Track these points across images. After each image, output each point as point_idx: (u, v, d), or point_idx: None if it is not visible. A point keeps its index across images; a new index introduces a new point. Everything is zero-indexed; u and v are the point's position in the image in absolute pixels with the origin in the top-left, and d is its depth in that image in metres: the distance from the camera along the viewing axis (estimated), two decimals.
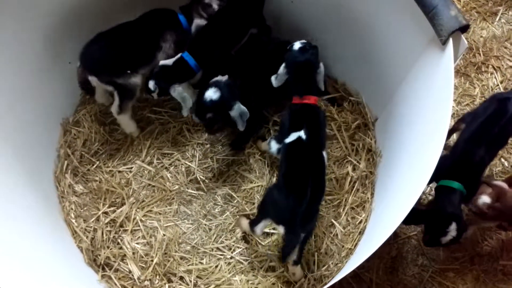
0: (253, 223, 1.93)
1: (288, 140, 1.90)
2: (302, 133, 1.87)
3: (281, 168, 1.91)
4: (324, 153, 1.89)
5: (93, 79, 2.13)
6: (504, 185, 1.88)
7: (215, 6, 2.29)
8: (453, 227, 1.78)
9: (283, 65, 1.97)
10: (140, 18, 2.21)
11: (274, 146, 2.02)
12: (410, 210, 1.38)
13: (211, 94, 1.90)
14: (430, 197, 2.26)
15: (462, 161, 1.91)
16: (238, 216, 2.16)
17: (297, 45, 1.94)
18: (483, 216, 1.87)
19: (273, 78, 2.00)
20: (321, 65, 1.97)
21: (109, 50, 2.10)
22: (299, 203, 1.73)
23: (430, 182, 1.49)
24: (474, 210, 1.88)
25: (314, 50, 1.95)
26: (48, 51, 2.14)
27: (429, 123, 1.60)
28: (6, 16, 1.84)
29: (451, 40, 1.43)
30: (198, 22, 2.27)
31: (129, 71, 2.12)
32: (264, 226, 1.91)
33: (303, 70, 1.94)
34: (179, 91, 2.09)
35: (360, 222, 2.12)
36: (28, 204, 1.95)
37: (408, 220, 1.43)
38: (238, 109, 1.95)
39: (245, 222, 2.03)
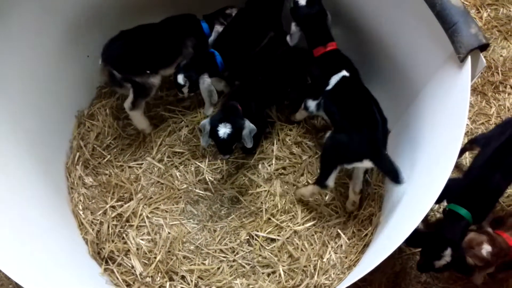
0: (322, 179, 1.99)
1: (330, 86, 1.99)
2: (344, 72, 1.98)
3: (334, 115, 1.99)
4: None
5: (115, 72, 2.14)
6: (491, 230, 1.89)
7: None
8: (448, 252, 1.76)
9: (293, 23, 2.05)
10: (163, 21, 2.26)
11: (312, 104, 2.13)
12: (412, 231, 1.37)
13: (224, 129, 1.92)
14: (438, 215, 2.24)
15: (476, 187, 1.90)
16: (294, 192, 2.22)
17: (302, 1, 2.01)
18: (487, 266, 1.83)
19: (288, 38, 2.09)
20: (328, 12, 2.06)
21: (131, 48, 2.13)
22: (375, 129, 1.85)
23: (440, 200, 1.48)
24: (479, 264, 1.81)
25: (319, 1, 2.03)
26: (69, 42, 2.17)
27: (442, 140, 1.59)
28: (34, 2, 1.86)
29: (469, 58, 1.42)
30: (219, 28, 2.31)
31: (148, 71, 2.14)
32: (335, 176, 1.98)
33: (318, 21, 2.03)
34: (207, 83, 2.08)
35: (366, 235, 2.10)
36: (38, 192, 1.97)
37: (408, 242, 1.42)
38: (248, 126, 1.98)
39: (307, 189, 2.11)
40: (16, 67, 1.88)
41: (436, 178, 1.45)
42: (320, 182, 2.01)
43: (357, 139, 1.88)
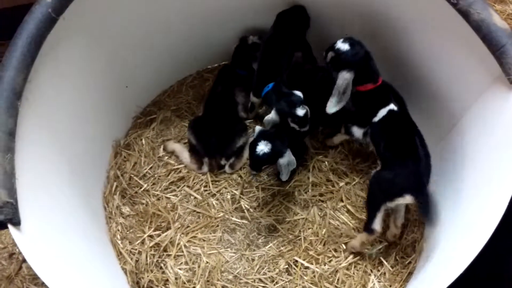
0: (369, 224, 1.95)
1: (377, 118, 1.97)
2: (392, 106, 1.96)
3: (380, 146, 1.97)
4: None
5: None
6: None
7: (258, 41, 2.44)
8: None
9: (344, 71, 1.90)
10: (215, 85, 2.49)
11: (357, 131, 2.11)
12: None
13: (263, 147, 1.91)
14: None
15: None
16: (346, 247, 2.13)
17: (344, 45, 1.91)
18: None
19: (333, 101, 1.95)
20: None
21: (221, 133, 2.33)
22: (418, 162, 1.83)
23: None
24: None
25: (358, 40, 1.96)
26: (109, 74, 2.23)
27: (491, 168, 1.55)
28: (81, 37, 1.92)
29: None
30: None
31: None
32: (381, 219, 1.93)
33: (367, 60, 1.95)
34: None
35: (410, 263, 2.05)
36: (78, 221, 1.96)
37: None
38: (288, 156, 1.97)
39: (356, 240, 2.05)
40: (62, 100, 1.90)
41: (484, 211, 1.42)
42: (366, 227, 1.97)
43: (402, 173, 1.86)
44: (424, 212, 1.85)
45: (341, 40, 1.93)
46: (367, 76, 1.97)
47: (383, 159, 1.97)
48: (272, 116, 2.03)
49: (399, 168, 1.86)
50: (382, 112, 1.96)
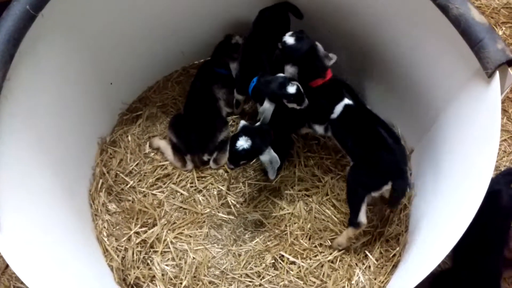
0: (354, 218, 1.96)
1: (335, 115, 2.00)
2: (347, 101, 1.99)
3: (346, 142, 2.02)
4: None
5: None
6: None
7: (240, 41, 2.44)
8: None
9: (288, 65, 1.99)
10: (194, 82, 2.50)
11: (319, 128, 2.13)
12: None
13: (243, 143, 1.90)
14: None
15: (473, 275, 1.85)
16: (331, 245, 2.13)
17: (290, 39, 1.97)
18: None
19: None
20: (317, 43, 2.02)
21: (201, 129, 2.33)
22: (391, 150, 1.87)
23: None
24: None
25: (305, 34, 2.00)
26: (92, 70, 2.20)
27: (471, 160, 1.57)
28: (59, 31, 1.89)
29: (497, 73, 1.42)
30: (235, 65, 2.39)
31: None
32: (365, 210, 1.96)
33: (312, 56, 1.98)
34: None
35: (394, 255, 2.07)
36: (62, 219, 1.95)
37: None
38: (269, 154, 1.95)
39: (342, 236, 2.06)
40: (44, 98, 1.88)
41: (465, 204, 1.43)
42: (352, 221, 1.98)
43: (380, 163, 1.89)
44: (396, 195, 1.90)
45: (290, 33, 1.98)
46: (313, 72, 2.01)
47: (354, 155, 1.99)
48: (265, 105, 2.00)
49: (376, 159, 1.88)
50: (339, 108, 1.98)
